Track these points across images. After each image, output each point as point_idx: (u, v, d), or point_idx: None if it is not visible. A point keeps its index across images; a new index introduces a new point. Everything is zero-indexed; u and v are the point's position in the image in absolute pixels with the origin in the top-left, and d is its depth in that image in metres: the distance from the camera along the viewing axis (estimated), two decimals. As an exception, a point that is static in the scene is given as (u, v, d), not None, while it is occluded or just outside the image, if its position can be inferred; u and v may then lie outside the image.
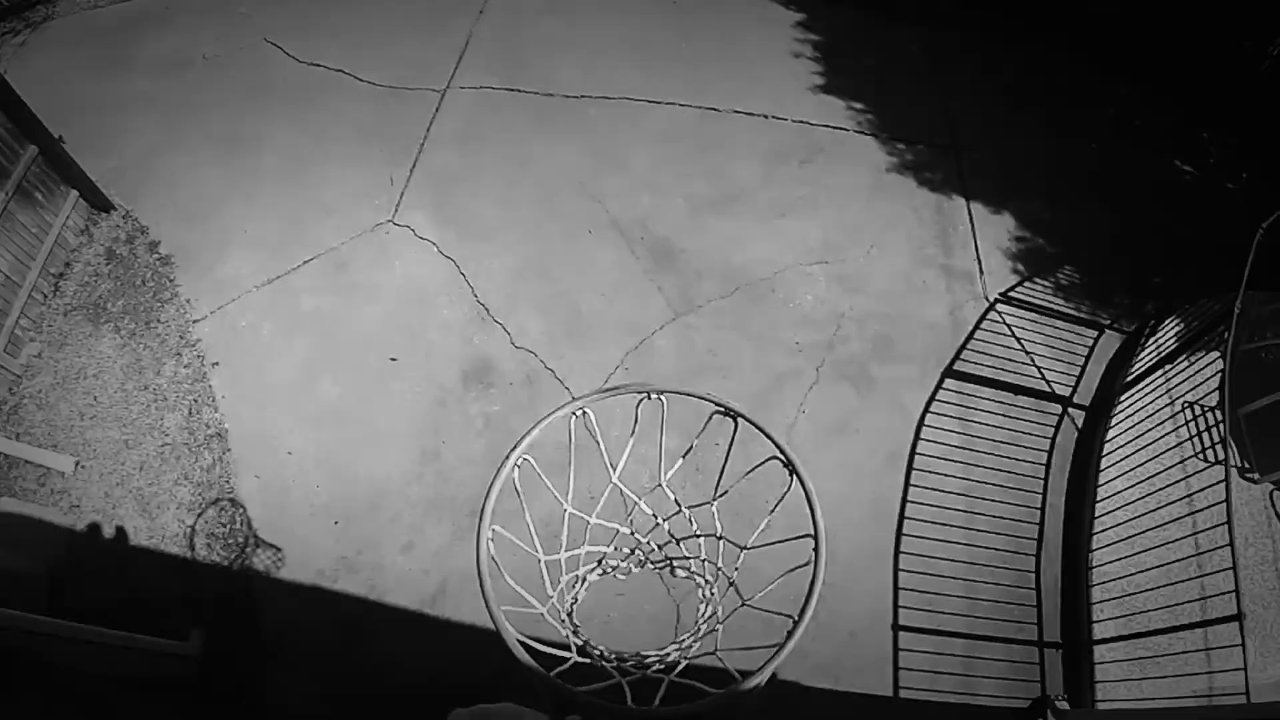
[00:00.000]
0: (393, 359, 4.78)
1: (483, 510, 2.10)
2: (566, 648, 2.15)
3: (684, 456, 2.74)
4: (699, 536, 2.70)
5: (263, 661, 4.00)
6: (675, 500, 2.68)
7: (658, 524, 2.73)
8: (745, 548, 2.52)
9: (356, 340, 4.91)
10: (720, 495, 2.57)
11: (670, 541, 2.81)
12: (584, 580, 2.76)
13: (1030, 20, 6.58)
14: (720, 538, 2.57)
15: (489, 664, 3.80)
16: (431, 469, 4.51)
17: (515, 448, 2.22)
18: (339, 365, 4.83)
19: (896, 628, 4.09)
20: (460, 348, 4.89)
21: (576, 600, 2.75)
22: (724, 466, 2.57)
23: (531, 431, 2.25)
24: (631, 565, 2.86)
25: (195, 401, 4.71)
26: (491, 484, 2.15)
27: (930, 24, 6.71)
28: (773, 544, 2.43)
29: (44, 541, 4.23)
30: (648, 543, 2.82)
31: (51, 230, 5.07)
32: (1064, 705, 3.86)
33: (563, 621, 2.40)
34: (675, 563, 2.84)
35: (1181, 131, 6.16)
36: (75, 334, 4.95)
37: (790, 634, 1.93)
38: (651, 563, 2.86)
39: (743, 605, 2.41)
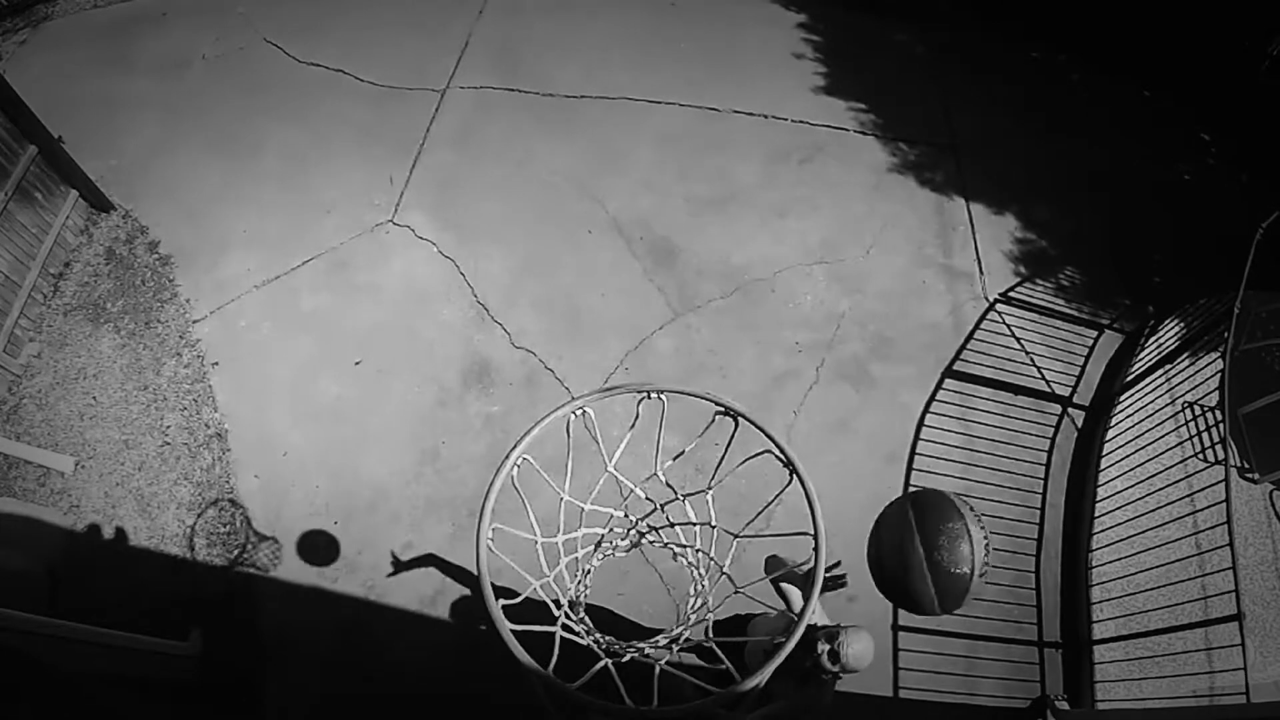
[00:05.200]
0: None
1: (482, 509, 2.10)
2: (563, 638, 2.15)
3: (676, 457, 2.74)
4: (693, 524, 2.70)
5: (262, 661, 4.00)
6: (669, 485, 2.68)
7: (654, 508, 2.73)
8: (737, 535, 2.53)
9: (356, 340, 4.91)
10: (715, 484, 2.57)
11: (666, 526, 2.82)
12: (588, 571, 2.77)
13: (1031, 20, 6.58)
14: (714, 526, 2.58)
15: (488, 663, 3.80)
16: (431, 468, 4.51)
17: (515, 447, 2.22)
18: (339, 365, 4.83)
19: (896, 627, 4.09)
20: (460, 348, 4.89)
21: (585, 590, 2.75)
22: (720, 462, 2.57)
23: (531, 430, 2.25)
24: (627, 542, 2.87)
25: (195, 401, 4.71)
26: (491, 483, 2.15)
27: (931, 24, 6.71)
28: (765, 536, 2.44)
29: (44, 541, 4.23)
30: (643, 524, 2.83)
31: (51, 230, 5.07)
32: (1064, 705, 3.86)
33: (558, 604, 2.40)
34: (671, 545, 2.85)
35: (1182, 132, 6.16)
36: (75, 334, 4.95)
37: (790, 633, 1.93)
38: (646, 540, 2.86)
39: (735, 593, 2.42)
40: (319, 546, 4.31)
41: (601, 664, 2.06)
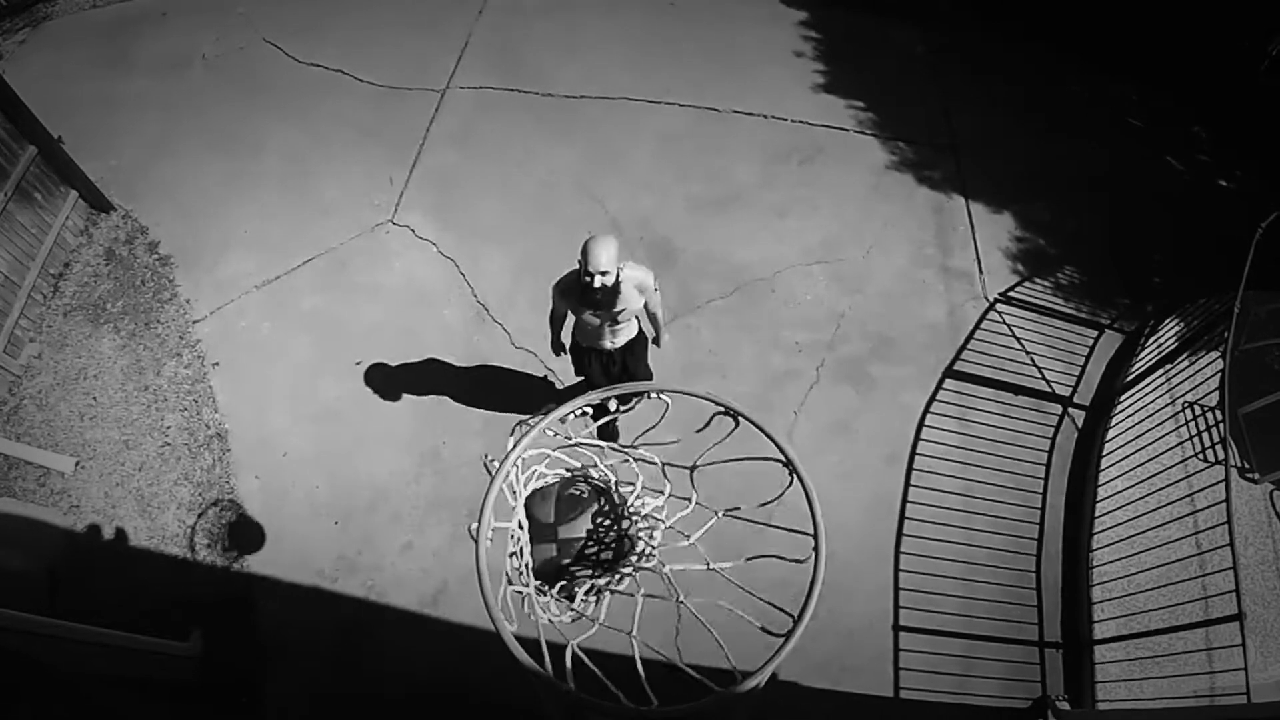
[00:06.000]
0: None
1: (481, 510, 2.10)
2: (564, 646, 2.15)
3: (673, 444, 2.70)
4: (676, 497, 2.60)
5: (262, 661, 4.00)
6: (665, 470, 2.61)
7: (636, 488, 2.65)
8: (724, 513, 2.44)
9: (356, 340, 4.91)
10: (698, 464, 2.50)
11: (655, 521, 2.73)
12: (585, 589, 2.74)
13: (1031, 20, 6.57)
14: (697, 503, 2.50)
15: (489, 664, 3.80)
16: (431, 468, 4.51)
17: (515, 447, 2.22)
18: (339, 365, 4.83)
19: (896, 627, 4.09)
20: (460, 348, 4.89)
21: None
22: (710, 448, 2.53)
23: (531, 431, 2.25)
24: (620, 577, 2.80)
25: (195, 402, 4.71)
26: (490, 483, 2.15)
27: (931, 24, 6.71)
28: (758, 524, 2.41)
29: (44, 541, 4.23)
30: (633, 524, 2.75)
31: (51, 231, 5.07)
32: (1064, 705, 3.86)
33: (556, 605, 2.37)
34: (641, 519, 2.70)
35: (1181, 131, 6.16)
36: (75, 335, 4.95)
37: (790, 634, 1.93)
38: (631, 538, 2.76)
39: (721, 515, 2.35)
40: (319, 546, 4.30)
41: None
